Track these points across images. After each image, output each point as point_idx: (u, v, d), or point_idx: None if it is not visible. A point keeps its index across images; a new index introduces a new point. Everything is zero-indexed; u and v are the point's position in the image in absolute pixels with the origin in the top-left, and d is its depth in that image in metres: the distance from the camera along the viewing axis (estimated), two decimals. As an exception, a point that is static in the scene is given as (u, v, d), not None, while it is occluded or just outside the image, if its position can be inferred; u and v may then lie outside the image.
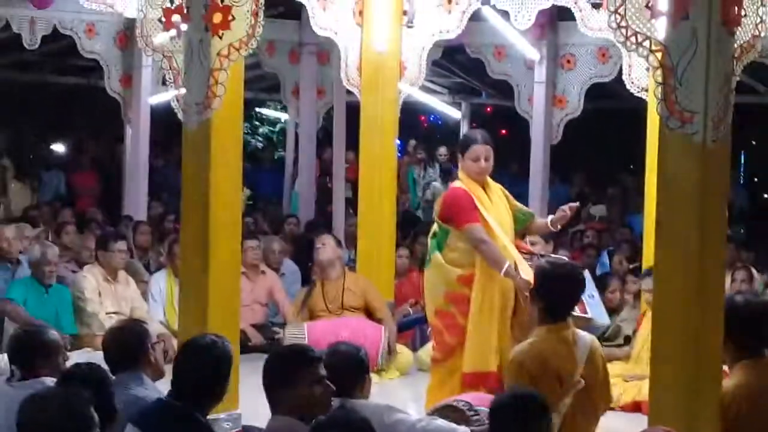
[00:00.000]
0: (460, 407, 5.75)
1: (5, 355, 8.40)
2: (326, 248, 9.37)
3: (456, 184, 7.29)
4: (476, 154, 7.20)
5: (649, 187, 9.06)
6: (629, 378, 8.36)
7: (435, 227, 7.32)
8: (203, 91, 6.34)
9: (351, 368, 5.20)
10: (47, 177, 16.46)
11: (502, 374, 6.92)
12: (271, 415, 4.69)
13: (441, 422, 5.15)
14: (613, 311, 9.80)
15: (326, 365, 4.87)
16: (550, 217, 7.41)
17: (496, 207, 7.23)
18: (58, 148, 18.90)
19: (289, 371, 4.67)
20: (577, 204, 7.61)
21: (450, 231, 7.13)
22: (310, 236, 13.33)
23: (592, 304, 6.76)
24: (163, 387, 5.22)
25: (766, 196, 19.24)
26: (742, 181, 20.24)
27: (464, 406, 5.60)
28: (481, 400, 5.90)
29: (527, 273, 6.79)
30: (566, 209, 7.36)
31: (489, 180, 7.33)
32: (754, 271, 10.54)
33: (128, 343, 5.45)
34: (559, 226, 7.47)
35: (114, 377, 5.35)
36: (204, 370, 4.92)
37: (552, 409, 4.84)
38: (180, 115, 6.66)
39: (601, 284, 9.80)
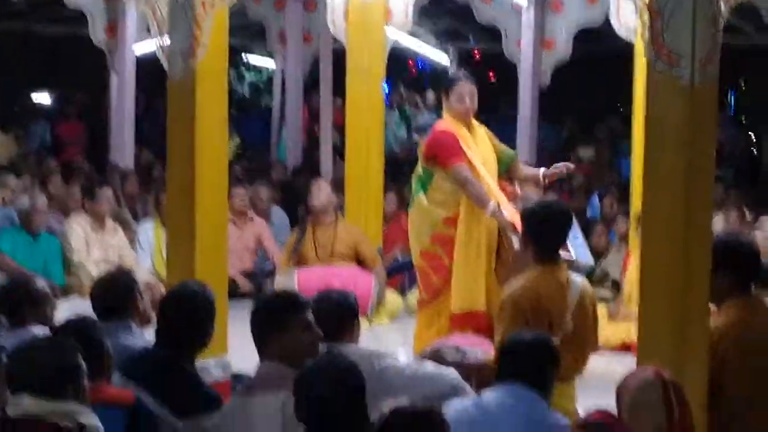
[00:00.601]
0: (447, 350, 5.74)
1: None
2: (321, 193, 9.31)
3: (440, 124, 7.28)
4: (460, 93, 7.21)
5: (637, 130, 9.06)
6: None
7: (419, 169, 7.31)
8: (187, 40, 6.30)
9: (340, 313, 5.19)
10: (33, 128, 16.40)
11: (490, 314, 6.97)
12: (260, 361, 4.70)
13: (430, 367, 5.15)
14: (599, 255, 9.84)
15: (315, 311, 4.86)
16: (543, 169, 7.38)
17: (480, 147, 7.23)
18: (44, 98, 18.78)
19: (277, 318, 4.67)
20: (573, 166, 7.58)
21: (434, 172, 7.12)
22: (297, 183, 13.37)
23: (575, 245, 6.78)
24: (151, 335, 5.23)
25: (753, 136, 19.19)
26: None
27: (451, 348, 5.60)
28: (468, 341, 5.92)
29: (511, 214, 6.81)
30: (562, 167, 7.34)
31: (473, 121, 7.33)
32: (746, 211, 10.56)
33: (115, 292, 5.45)
34: (547, 181, 7.47)
35: (104, 325, 5.37)
36: (186, 319, 4.95)
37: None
38: (164, 65, 6.61)
39: (587, 229, 9.84)
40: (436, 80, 18.24)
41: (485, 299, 7.03)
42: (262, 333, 4.67)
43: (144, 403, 4.55)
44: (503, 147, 7.52)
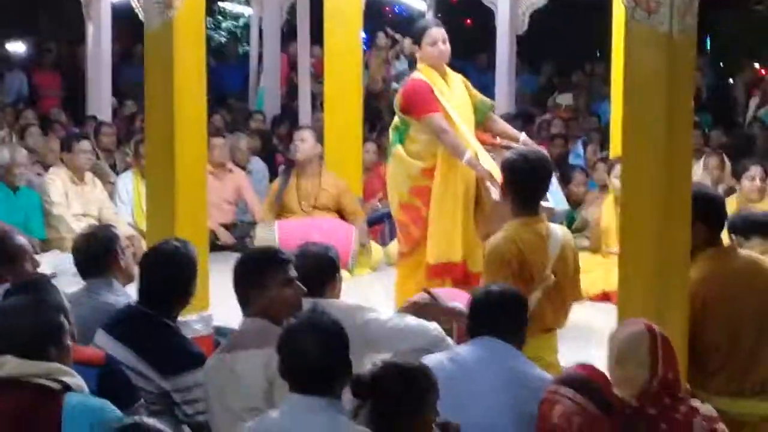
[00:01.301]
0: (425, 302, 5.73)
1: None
2: (305, 144, 9.24)
3: (415, 75, 7.25)
4: (433, 38, 7.19)
5: (615, 76, 9.05)
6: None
7: (396, 120, 7.29)
8: (164, -9, 6.25)
9: (321, 268, 5.18)
10: (8, 78, 16.27)
11: (467, 265, 7.00)
12: (243, 317, 4.71)
13: (411, 320, 5.17)
14: (578, 203, 9.85)
15: (296, 266, 4.88)
16: (524, 135, 7.34)
17: (456, 96, 7.20)
18: (19, 47, 18.60)
19: (258, 274, 4.67)
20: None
21: (411, 123, 7.10)
22: (277, 132, 13.32)
23: (552, 192, 6.78)
24: (133, 291, 5.22)
25: (731, 81, 19.17)
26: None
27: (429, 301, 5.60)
28: (450, 295, 5.91)
29: (489, 164, 6.80)
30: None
31: (448, 69, 7.31)
32: (725, 157, 10.58)
33: (97, 248, 5.41)
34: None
35: (84, 283, 5.36)
36: (169, 276, 4.96)
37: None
38: (141, 16, 6.56)
39: (565, 177, 9.83)
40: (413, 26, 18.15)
41: (462, 250, 7.03)
42: (245, 289, 4.68)
43: (115, 361, 4.55)
44: (481, 96, 7.49)
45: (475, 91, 7.44)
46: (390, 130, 7.38)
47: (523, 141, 7.16)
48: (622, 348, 4.24)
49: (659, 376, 4.15)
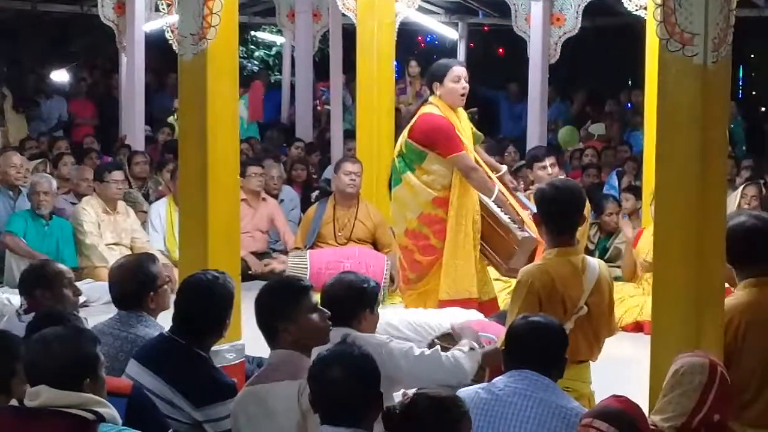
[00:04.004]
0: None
1: (5, 289, 8.49)
2: (359, 178, 9.20)
3: (431, 109, 7.29)
4: (458, 75, 7.33)
5: (648, 106, 9.01)
6: None
7: (401, 147, 7.35)
8: (198, 22, 6.27)
9: (354, 297, 5.19)
10: (46, 105, 16.37)
11: (479, 302, 7.06)
12: (271, 349, 4.70)
13: (444, 356, 5.17)
14: (611, 234, 9.82)
15: (329, 293, 4.93)
16: (506, 172, 7.59)
17: (465, 129, 7.34)
18: (59, 76, 18.72)
19: (284, 305, 4.64)
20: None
21: (426, 154, 7.18)
22: (308, 160, 13.35)
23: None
24: (164, 320, 5.22)
25: (764, 109, 19.12)
26: (740, 96, 20.15)
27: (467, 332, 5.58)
28: (482, 326, 5.90)
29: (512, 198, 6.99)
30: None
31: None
32: (763, 187, 10.52)
33: (132, 287, 5.33)
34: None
35: (118, 313, 5.35)
36: (205, 308, 4.91)
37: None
38: (174, 46, 6.59)
39: (598, 207, 9.81)
40: (446, 56, 18.21)
41: (477, 286, 7.13)
42: (271, 322, 4.66)
43: (142, 390, 4.54)
44: (474, 129, 7.63)
45: (470, 124, 7.53)
46: (396, 157, 7.41)
47: (506, 178, 7.48)
48: (677, 373, 4.23)
49: (703, 414, 4.12)
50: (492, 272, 7.64)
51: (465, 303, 7.07)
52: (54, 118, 16.19)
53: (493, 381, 4.62)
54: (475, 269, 7.19)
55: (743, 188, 10.22)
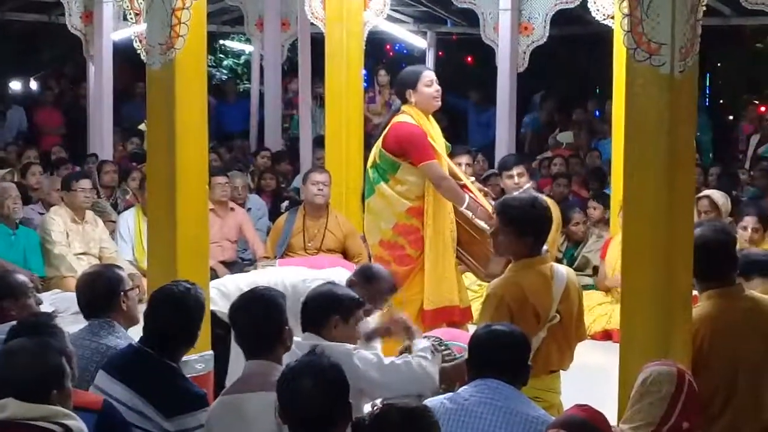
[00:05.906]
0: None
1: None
2: (327, 188, 9.22)
3: (404, 118, 7.25)
4: (430, 79, 7.31)
5: (617, 115, 9.05)
6: None
7: (374, 158, 7.31)
8: (166, 31, 6.23)
9: (322, 304, 5.19)
10: (9, 114, 16.30)
11: (459, 308, 7.05)
12: (246, 359, 4.70)
13: (411, 365, 5.17)
14: (578, 243, 9.85)
15: (306, 300, 5.12)
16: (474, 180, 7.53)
17: (437, 137, 7.30)
18: (18, 86, 18.63)
19: (276, 315, 4.74)
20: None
21: (399, 164, 7.15)
22: (277, 169, 13.33)
23: None
24: (134, 333, 5.19)
25: (731, 118, 19.21)
26: (708, 104, 20.25)
27: (435, 341, 5.57)
28: (451, 335, 5.90)
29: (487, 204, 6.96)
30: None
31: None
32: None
33: (101, 290, 5.33)
34: None
35: (87, 323, 5.32)
36: (176, 320, 4.89)
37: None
38: (143, 56, 6.57)
39: (565, 216, 9.83)
40: (414, 64, 18.21)
41: (459, 293, 7.13)
42: (249, 341, 4.70)
43: (113, 407, 4.51)
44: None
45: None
46: (369, 167, 7.39)
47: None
48: (645, 382, 4.24)
49: (671, 423, 4.13)
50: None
51: (447, 310, 7.06)
52: (15, 128, 16.12)
53: (458, 391, 4.62)
54: (455, 277, 7.18)
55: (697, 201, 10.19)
